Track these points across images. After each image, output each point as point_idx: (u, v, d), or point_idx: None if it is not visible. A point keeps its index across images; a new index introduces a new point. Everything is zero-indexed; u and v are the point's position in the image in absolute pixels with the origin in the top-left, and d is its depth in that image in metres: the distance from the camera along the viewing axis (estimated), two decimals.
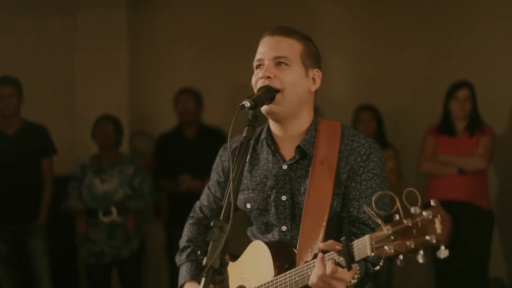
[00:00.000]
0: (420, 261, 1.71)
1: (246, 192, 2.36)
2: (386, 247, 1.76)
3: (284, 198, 2.29)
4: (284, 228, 2.30)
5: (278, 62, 2.24)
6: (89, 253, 5.26)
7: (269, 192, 2.32)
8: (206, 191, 2.52)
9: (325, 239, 2.18)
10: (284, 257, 2.22)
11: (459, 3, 6.02)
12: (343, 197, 2.25)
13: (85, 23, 6.18)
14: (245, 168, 2.35)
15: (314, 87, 2.30)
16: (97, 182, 5.26)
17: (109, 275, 5.38)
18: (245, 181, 2.36)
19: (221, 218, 1.93)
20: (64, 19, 6.21)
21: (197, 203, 2.55)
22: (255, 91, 2.24)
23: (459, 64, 5.85)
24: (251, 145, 2.36)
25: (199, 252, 1.93)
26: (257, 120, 2.14)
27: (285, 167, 2.30)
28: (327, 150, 2.26)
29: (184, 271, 2.41)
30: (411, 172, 5.64)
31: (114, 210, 5.18)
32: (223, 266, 1.87)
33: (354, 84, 6.20)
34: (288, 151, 2.32)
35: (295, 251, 2.22)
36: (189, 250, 2.45)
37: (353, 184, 2.24)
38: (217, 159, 2.48)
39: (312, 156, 2.27)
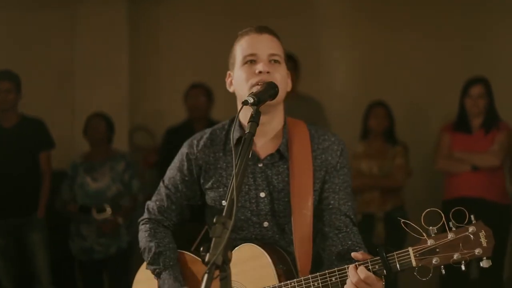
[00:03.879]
0: (463, 268, 1.95)
1: (221, 189, 2.37)
2: (433, 260, 1.97)
3: (263, 195, 2.34)
4: (266, 224, 2.35)
5: (272, 59, 2.29)
6: (79, 249, 5.28)
7: (246, 189, 2.34)
8: (163, 191, 2.46)
9: (313, 234, 2.28)
10: (279, 259, 2.27)
11: None
12: (321, 192, 2.33)
13: (85, 17, 6.17)
14: (219, 165, 2.38)
15: (289, 87, 2.38)
16: (89, 181, 5.27)
17: (101, 272, 5.39)
18: (219, 178, 2.37)
19: (223, 214, 1.90)
20: (64, 13, 6.20)
21: (151, 204, 2.49)
22: (247, 86, 2.25)
23: (474, 58, 5.82)
24: (223, 142, 2.39)
25: (202, 249, 1.91)
26: (260, 116, 2.12)
27: (260, 165, 2.34)
28: (301, 149, 2.34)
29: (169, 279, 2.34)
30: (422, 168, 5.60)
31: (108, 208, 5.17)
32: (226, 262, 1.85)
33: (362, 79, 6.13)
34: (262, 149, 2.35)
35: (281, 250, 2.30)
36: (165, 255, 2.38)
37: (331, 179, 2.34)
38: (180, 157, 2.44)
39: (288, 157, 2.33)
